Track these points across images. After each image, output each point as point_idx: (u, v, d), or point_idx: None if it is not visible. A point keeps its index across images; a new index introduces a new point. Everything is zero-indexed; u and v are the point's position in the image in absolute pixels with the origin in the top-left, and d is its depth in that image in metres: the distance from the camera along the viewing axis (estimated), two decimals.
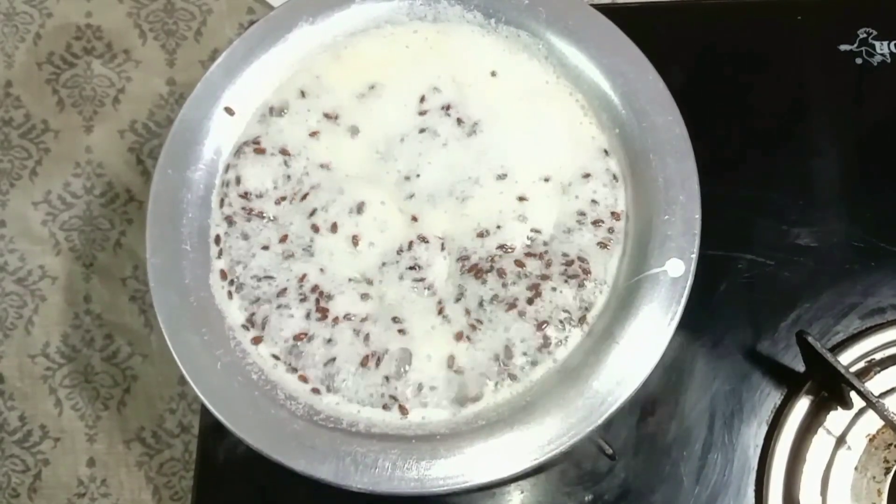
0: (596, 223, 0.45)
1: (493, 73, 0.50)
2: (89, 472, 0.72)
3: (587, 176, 0.46)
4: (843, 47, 0.61)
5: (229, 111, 0.49)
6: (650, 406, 0.55)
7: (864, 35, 0.61)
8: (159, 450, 0.72)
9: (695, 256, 0.42)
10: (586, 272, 0.44)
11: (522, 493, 0.54)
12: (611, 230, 0.45)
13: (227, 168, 0.48)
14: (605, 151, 0.47)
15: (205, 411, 0.64)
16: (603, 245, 0.45)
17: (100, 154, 0.80)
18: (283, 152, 0.49)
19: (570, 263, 0.45)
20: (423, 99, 0.49)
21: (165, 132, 0.51)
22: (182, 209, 0.47)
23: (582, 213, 0.46)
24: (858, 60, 0.61)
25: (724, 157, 0.59)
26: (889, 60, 0.61)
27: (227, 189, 0.48)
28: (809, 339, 0.49)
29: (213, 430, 0.62)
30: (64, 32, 0.83)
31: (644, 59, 0.47)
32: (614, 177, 0.46)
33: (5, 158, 0.80)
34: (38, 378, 0.74)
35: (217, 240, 0.47)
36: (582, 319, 0.44)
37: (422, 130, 0.48)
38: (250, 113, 0.50)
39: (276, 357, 0.45)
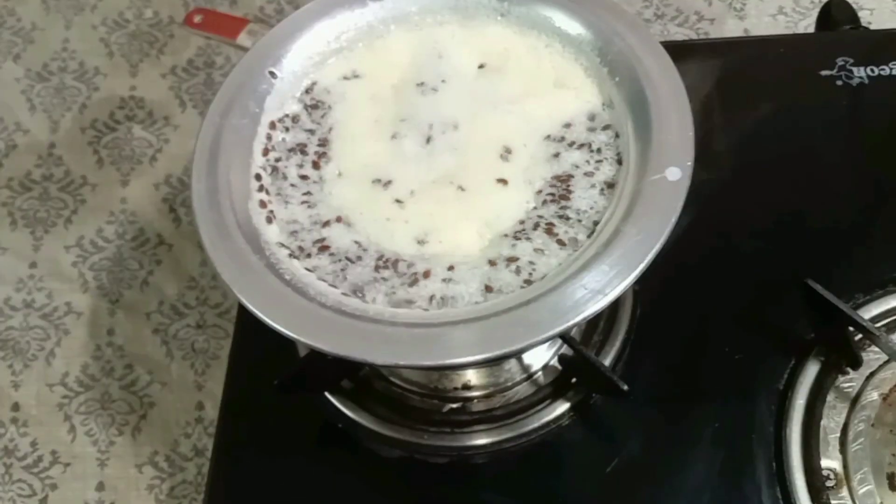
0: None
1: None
2: (97, 497, 0.71)
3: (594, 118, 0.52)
4: (824, 73, 0.68)
5: (273, 74, 0.54)
6: (665, 374, 0.57)
7: (843, 63, 0.68)
8: (171, 473, 0.71)
9: (690, 164, 0.46)
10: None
11: (553, 449, 0.55)
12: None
13: (272, 123, 0.53)
14: (610, 99, 0.52)
15: (219, 433, 0.64)
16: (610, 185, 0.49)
17: (134, 204, 0.85)
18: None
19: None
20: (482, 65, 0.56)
21: None
22: (226, 148, 0.51)
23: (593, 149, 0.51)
24: (839, 82, 0.67)
25: (725, 158, 0.64)
26: (867, 81, 0.67)
27: (269, 142, 0.53)
28: (810, 282, 0.52)
29: (227, 449, 0.62)
30: (108, 103, 0.91)
31: (636, 18, 0.53)
32: (607, 104, 0.52)
33: (42, 208, 0.85)
34: (54, 406, 0.75)
35: (258, 177, 0.51)
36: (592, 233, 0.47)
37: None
38: (290, 80, 0.55)
39: (309, 270, 0.47)
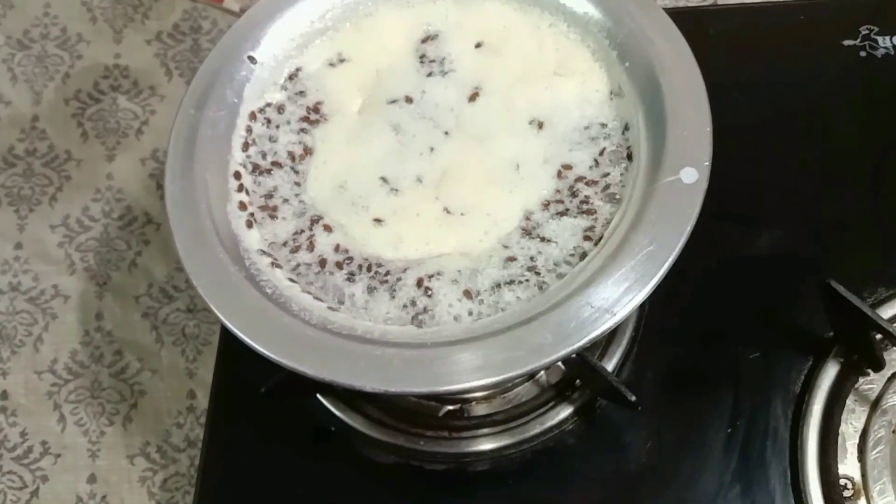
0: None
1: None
2: (89, 489, 0.69)
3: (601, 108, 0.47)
4: (847, 42, 0.63)
5: (252, 59, 0.50)
6: (675, 374, 0.54)
7: (867, 31, 0.63)
8: (164, 465, 0.69)
9: (707, 165, 0.42)
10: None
11: (557, 455, 0.52)
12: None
13: (252, 114, 0.49)
14: (619, 86, 0.48)
15: (209, 423, 0.62)
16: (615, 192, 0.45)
17: (120, 181, 0.81)
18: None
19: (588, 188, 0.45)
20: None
21: None
22: (202, 145, 0.47)
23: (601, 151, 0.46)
24: (863, 53, 0.63)
25: (740, 139, 0.60)
26: (892, 52, 0.63)
27: (249, 134, 0.49)
28: (832, 283, 0.48)
29: (218, 440, 0.60)
30: (92, 72, 0.87)
31: None
32: (616, 92, 0.47)
33: (26, 185, 0.81)
34: (44, 394, 0.72)
35: (237, 175, 0.47)
36: (599, 240, 0.43)
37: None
38: (272, 66, 0.51)
39: (292, 280, 0.44)
